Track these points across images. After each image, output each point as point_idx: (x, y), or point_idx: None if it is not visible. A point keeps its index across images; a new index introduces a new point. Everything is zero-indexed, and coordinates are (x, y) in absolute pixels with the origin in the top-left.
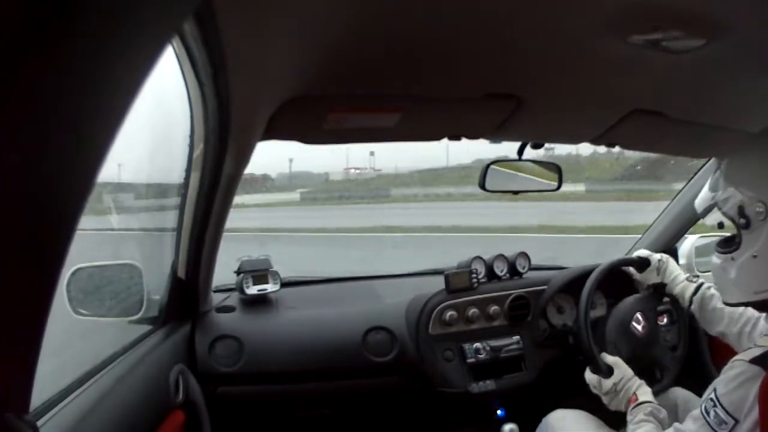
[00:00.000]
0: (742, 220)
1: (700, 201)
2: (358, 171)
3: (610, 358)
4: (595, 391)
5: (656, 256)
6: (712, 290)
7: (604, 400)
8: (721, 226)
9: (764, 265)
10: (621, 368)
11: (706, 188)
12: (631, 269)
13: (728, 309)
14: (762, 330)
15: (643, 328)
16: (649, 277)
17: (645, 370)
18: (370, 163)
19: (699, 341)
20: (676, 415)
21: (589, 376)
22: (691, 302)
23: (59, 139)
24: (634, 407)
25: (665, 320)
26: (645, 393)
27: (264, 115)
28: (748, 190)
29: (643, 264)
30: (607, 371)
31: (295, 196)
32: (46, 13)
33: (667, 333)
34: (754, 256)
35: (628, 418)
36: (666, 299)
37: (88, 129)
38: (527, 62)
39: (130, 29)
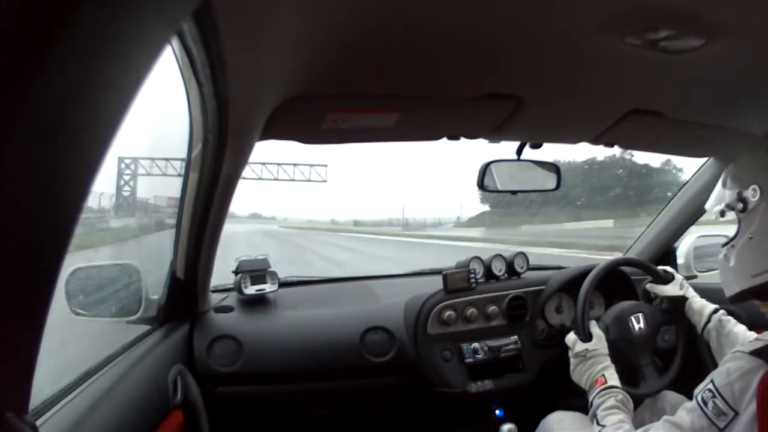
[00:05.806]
0: (740, 205)
1: (714, 200)
2: None
3: (596, 330)
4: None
5: (679, 275)
6: (727, 315)
7: (571, 363)
8: (722, 214)
9: (759, 246)
10: (601, 342)
11: (719, 187)
12: (651, 282)
13: (742, 334)
14: None
15: (640, 329)
16: (671, 290)
17: (624, 369)
18: None
19: (698, 342)
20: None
21: (570, 335)
22: (708, 320)
23: (58, 138)
24: (603, 389)
25: (666, 337)
26: (613, 377)
27: (262, 115)
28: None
29: (667, 277)
30: (588, 337)
31: None
32: (44, 12)
33: (664, 342)
34: (750, 238)
35: (595, 400)
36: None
37: (86, 129)
38: (527, 62)
39: (129, 29)
